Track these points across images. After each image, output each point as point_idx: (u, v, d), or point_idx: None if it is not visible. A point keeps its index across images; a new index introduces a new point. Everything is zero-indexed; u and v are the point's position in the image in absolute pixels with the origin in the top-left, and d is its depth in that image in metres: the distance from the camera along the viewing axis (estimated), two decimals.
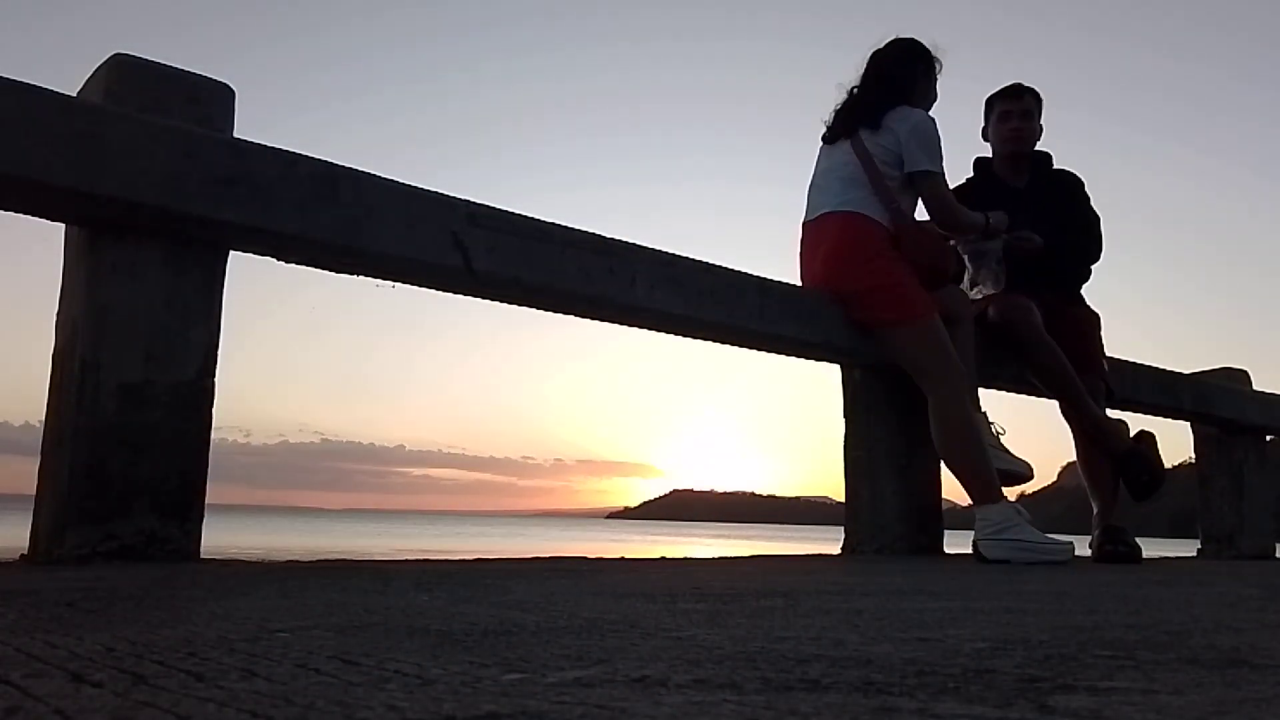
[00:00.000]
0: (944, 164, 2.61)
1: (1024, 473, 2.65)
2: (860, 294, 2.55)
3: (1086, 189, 3.07)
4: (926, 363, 2.53)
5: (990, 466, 2.48)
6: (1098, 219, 3.07)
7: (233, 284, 1.67)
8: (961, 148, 3.18)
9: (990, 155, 3.08)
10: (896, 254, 2.55)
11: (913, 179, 2.59)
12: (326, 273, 1.83)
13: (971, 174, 3.10)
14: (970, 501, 2.48)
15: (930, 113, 2.66)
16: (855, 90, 2.70)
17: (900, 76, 2.67)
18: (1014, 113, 2.98)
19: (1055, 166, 3.08)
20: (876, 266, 2.54)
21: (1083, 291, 3.07)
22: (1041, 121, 3.02)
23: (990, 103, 3.04)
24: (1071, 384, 2.79)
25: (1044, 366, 2.80)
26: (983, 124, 3.07)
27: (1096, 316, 3.01)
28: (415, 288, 1.93)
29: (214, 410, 1.63)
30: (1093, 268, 3.08)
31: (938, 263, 2.61)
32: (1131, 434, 2.85)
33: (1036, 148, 3.03)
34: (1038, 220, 2.92)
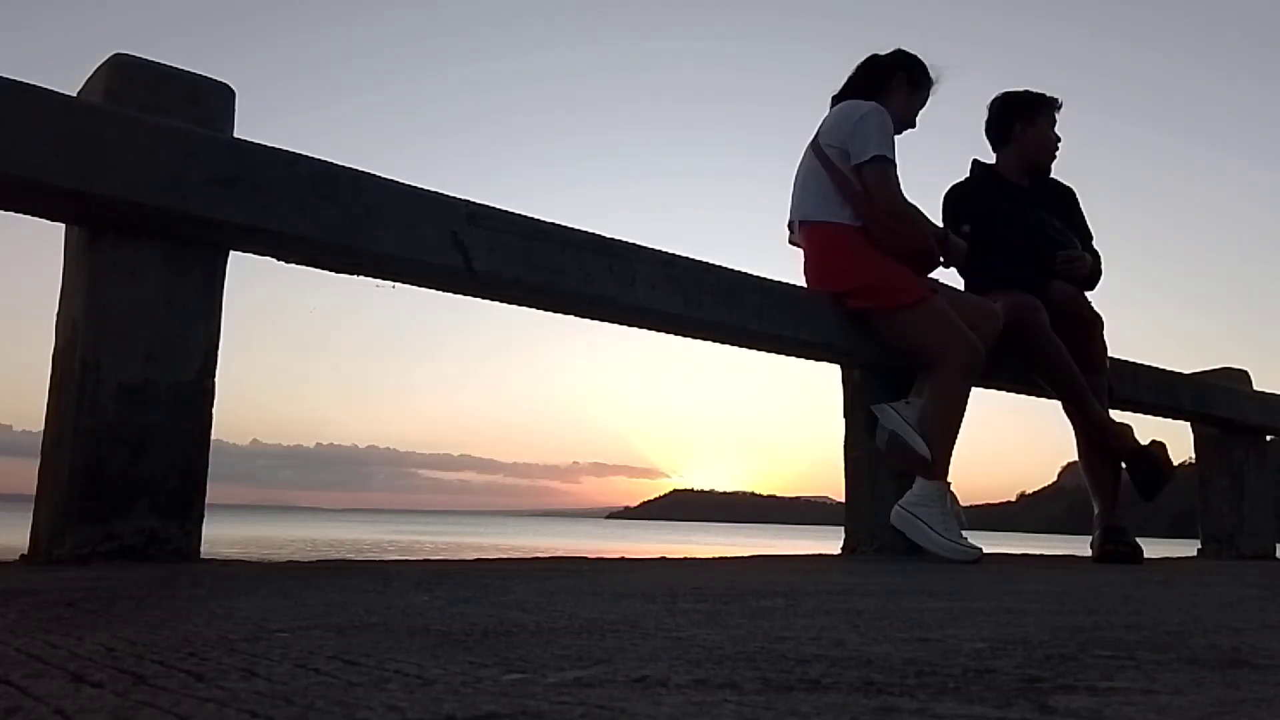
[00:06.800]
0: (895, 154, 2.52)
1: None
2: (853, 290, 2.55)
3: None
4: (929, 342, 2.47)
5: (949, 451, 2.44)
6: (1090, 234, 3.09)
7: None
8: (962, 148, 3.16)
9: (983, 158, 3.05)
10: (876, 251, 2.52)
11: (861, 169, 2.51)
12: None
13: (969, 174, 3.09)
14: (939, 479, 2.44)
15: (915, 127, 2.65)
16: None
17: (876, 81, 2.63)
18: (1055, 124, 2.97)
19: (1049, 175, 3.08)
20: (860, 266, 2.53)
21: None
22: None
23: (1035, 105, 2.97)
24: (1077, 384, 2.78)
25: (1050, 366, 2.79)
26: (1009, 121, 2.96)
27: (1099, 317, 3.01)
28: (419, 289, 1.93)
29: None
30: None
31: (918, 247, 2.57)
32: (1140, 440, 2.83)
33: None
34: (1049, 217, 2.93)
